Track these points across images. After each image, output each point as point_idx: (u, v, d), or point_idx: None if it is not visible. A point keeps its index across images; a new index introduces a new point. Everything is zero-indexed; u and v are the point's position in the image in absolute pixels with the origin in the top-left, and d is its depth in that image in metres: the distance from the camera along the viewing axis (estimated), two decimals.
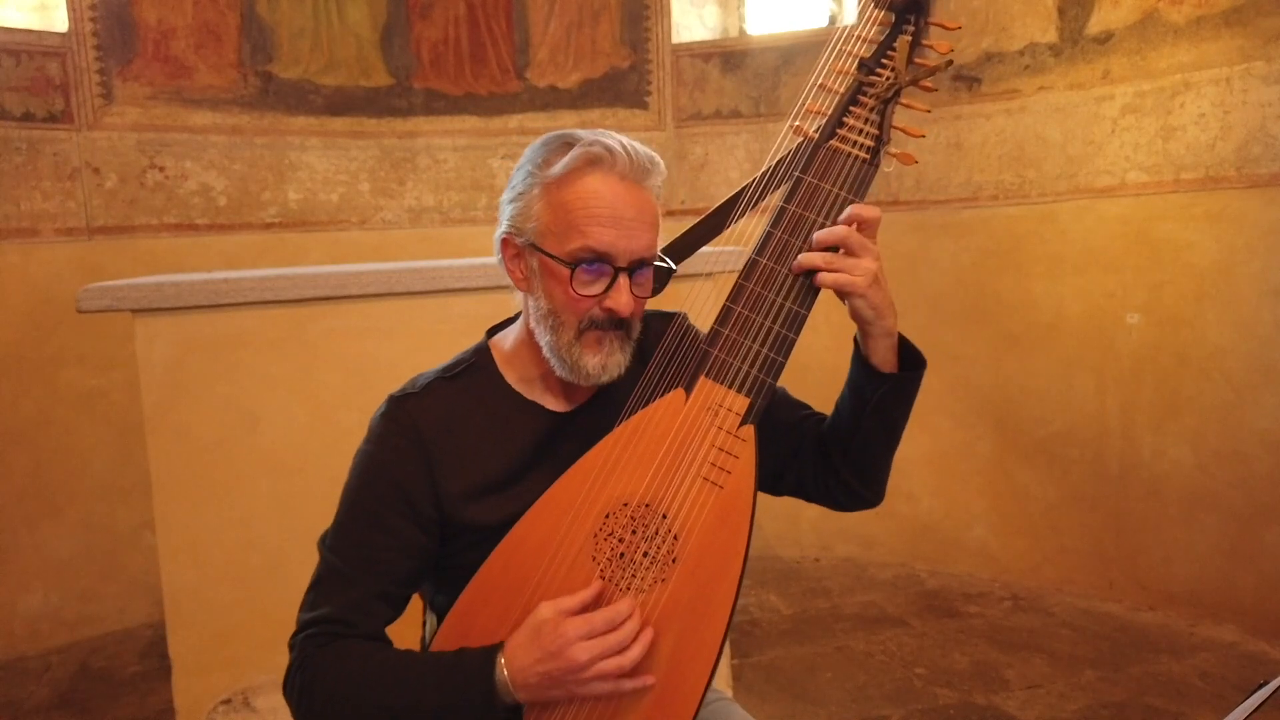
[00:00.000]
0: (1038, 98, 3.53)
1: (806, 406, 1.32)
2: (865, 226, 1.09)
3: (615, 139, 1.10)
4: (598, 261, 1.08)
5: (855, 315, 1.12)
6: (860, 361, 1.16)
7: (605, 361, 1.12)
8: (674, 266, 1.21)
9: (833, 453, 1.23)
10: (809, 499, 1.30)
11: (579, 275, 1.09)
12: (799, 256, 1.09)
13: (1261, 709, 1.01)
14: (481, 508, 1.15)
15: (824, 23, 4.23)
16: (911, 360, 1.17)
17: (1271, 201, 3.01)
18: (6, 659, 3.25)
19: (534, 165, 1.12)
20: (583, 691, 1.04)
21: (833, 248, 1.08)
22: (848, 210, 1.09)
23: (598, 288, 1.09)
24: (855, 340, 1.17)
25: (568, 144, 1.11)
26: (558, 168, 1.09)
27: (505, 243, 1.15)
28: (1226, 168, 3.09)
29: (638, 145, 1.12)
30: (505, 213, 1.15)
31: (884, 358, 1.14)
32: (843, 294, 1.09)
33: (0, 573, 3.28)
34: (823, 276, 1.07)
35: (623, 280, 1.10)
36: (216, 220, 3.71)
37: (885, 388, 1.14)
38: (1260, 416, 3.08)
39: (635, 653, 1.04)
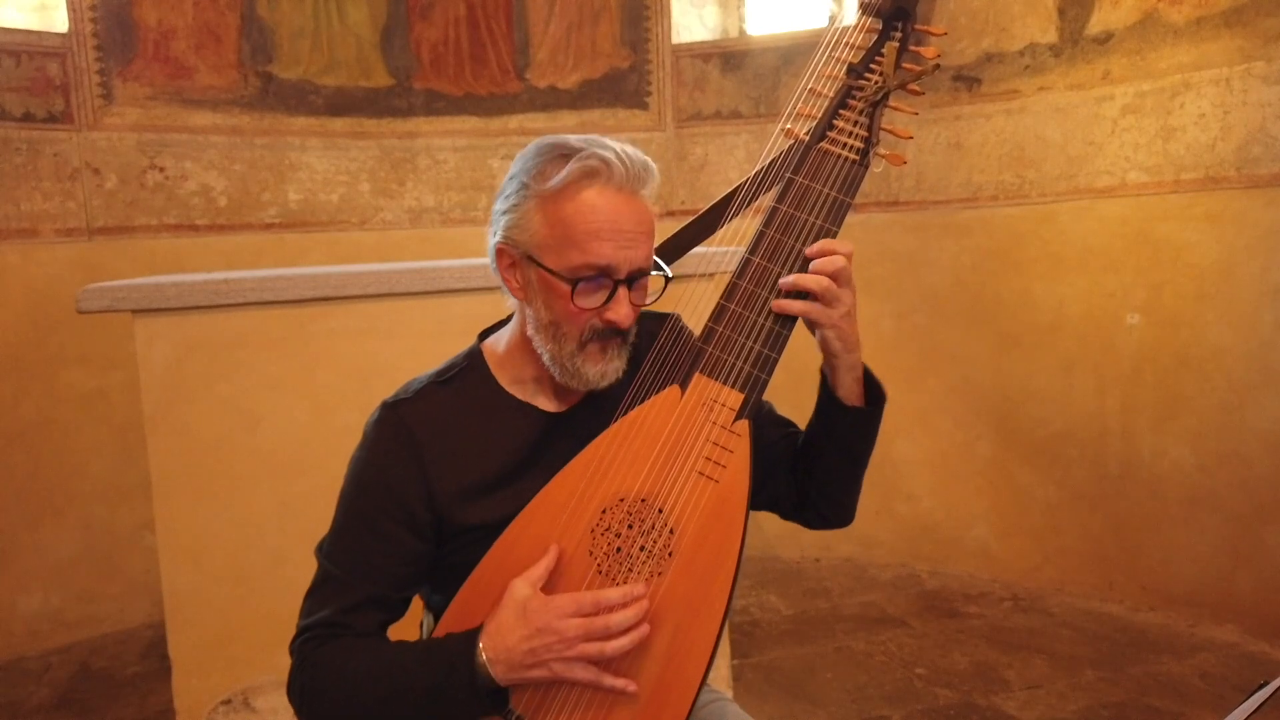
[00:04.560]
0: (1038, 98, 3.53)
1: (791, 424, 1.33)
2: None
3: (610, 148, 1.08)
4: (598, 276, 1.09)
5: (824, 346, 1.14)
6: (827, 394, 1.19)
7: (605, 369, 1.13)
8: (670, 274, 1.23)
9: (801, 477, 1.26)
10: (783, 516, 1.32)
11: (580, 290, 1.08)
12: (780, 280, 1.10)
13: (1261, 709, 1.01)
14: (477, 509, 1.15)
15: (824, 23, 4.23)
16: (875, 395, 1.19)
17: (1271, 201, 3.00)
18: (6, 659, 3.24)
19: (528, 176, 1.10)
20: (562, 672, 1.04)
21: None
22: (818, 244, 1.10)
23: (598, 299, 1.10)
24: (822, 372, 1.19)
25: (563, 155, 1.08)
26: (554, 181, 1.07)
27: (501, 252, 1.15)
28: (1226, 168, 3.09)
29: (631, 151, 1.10)
30: (499, 222, 1.14)
31: (850, 390, 1.17)
32: (814, 325, 1.11)
33: (0, 573, 3.29)
34: (800, 305, 1.09)
35: (622, 292, 1.11)
36: (216, 221, 3.72)
37: (850, 420, 1.18)
38: (1260, 417, 3.08)
39: (622, 642, 1.04)
